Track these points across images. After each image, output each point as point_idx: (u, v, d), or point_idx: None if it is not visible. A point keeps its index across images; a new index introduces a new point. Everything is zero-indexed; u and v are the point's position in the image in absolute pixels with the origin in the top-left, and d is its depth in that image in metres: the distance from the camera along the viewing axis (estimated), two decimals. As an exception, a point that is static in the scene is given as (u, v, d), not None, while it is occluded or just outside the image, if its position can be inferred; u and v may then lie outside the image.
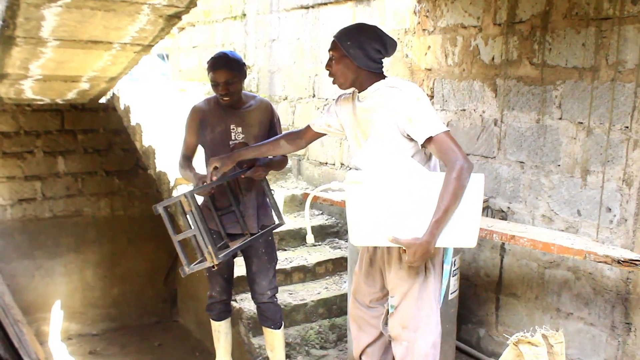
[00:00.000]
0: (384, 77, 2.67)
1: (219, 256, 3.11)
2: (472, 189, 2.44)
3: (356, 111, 2.73)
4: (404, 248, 2.47)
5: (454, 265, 3.53)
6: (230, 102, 3.43)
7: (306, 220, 2.80)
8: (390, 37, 2.67)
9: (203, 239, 3.06)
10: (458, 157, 2.40)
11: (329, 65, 2.72)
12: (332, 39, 2.70)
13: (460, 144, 4.06)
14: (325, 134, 3.07)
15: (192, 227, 3.09)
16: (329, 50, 2.71)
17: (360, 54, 2.59)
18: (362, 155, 2.59)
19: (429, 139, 2.46)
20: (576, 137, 3.47)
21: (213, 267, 3.13)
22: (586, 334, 3.53)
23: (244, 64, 3.47)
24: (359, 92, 2.71)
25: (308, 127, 3.09)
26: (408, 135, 2.53)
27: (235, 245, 3.43)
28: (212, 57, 3.45)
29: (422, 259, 2.46)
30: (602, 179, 3.36)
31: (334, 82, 2.75)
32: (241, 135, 3.49)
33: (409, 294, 2.65)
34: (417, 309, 2.65)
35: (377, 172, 2.49)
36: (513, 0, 3.76)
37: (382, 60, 2.66)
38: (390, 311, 2.75)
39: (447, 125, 4.15)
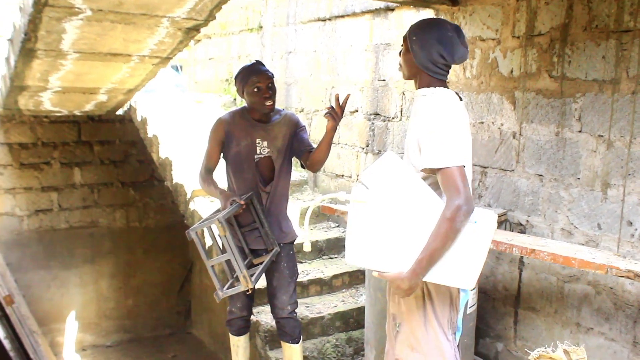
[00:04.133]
0: (443, 84, 2.48)
1: (253, 279, 3.12)
2: (481, 228, 2.26)
3: (411, 111, 2.59)
4: None
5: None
6: (272, 107, 3.41)
7: (305, 228, 2.75)
8: (462, 45, 2.45)
9: (238, 263, 3.08)
10: (460, 197, 2.20)
11: (400, 52, 2.59)
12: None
13: (479, 157, 4.10)
14: None
15: (227, 251, 3.10)
16: (402, 37, 2.58)
17: (422, 53, 2.42)
18: (371, 171, 2.43)
19: (438, 169, 2.28)
20: (596, 150, 3.45)
21: (247, 291, 3.14)
22: (607, 349, 3.49)
23: None
24: (416, 90, 2.56)
25: None
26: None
27: (260, 261, 3.44)
28: (245, 66, 3.46)
29: (407, 294, 2.33)
30: (622, 193, 3.33)
31: (399, 69, 2.65)
32: (266, 150, 3.48)
33: (410, 316, 2.51)
34: (420, 334, 2.50)
35: (383, 194, 2.34)
36: (532, 12, 3.75)
37: (446, 66, 2.45)
38: (391, 331, 2.64)
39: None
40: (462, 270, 2.27)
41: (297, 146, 3.55)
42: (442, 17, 2.50)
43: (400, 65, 2.59)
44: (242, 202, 3.23)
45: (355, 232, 2.38)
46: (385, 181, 2.36)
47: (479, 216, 2.27)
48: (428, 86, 2.46)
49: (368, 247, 2.36)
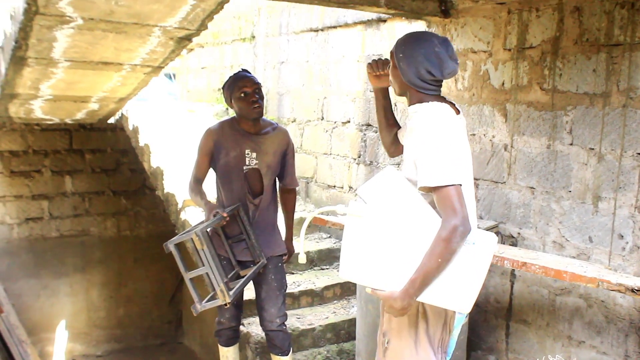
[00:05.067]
0: (437, 97, 2.39)
1: (230, 293, 3.09)
2: (479, 251, 2.18)
3: (407, 126, 2.53)
4: None
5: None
6: (260, 112, 3.40)
7: (301, 240, 2.70)
8: (452, 59, 2.35)
9: (215, 276, 3.04)
10: (456, 217, 2.12)
11: (389, 68, 2.54)
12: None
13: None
14: None
15: (205, 264, 3.06)
16: (390, 52, 2.51)
17: (409, 70, 2.35)
18: (369, 186, 2.36)
19: (433, 188, 2.20)
20: (587, 163, 3.45)
21: (225, 305, 3.11)
22: (598, 362, 3.48)
23: None
24: (408, 106, 2.48)
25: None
26: None
27: (245, 274, 3.42)
28: (232, 75, 3.47)
29: (400, 313, 2.26)
30: (614, 206, 3.33)
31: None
32: (255, 161, 3.47)
33: (400, 333, 2.45)
34: (409, 351, 2.43)
35: (380, 209, 2.27)
36: (523, 25, 3.76)
37: (436, 81, 2.37)
38: (380, 347, 2.57)
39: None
40: (458, 293, 2.20)
41: (279, 172, 3.62)
42: (429, 31, 2.42)
43: (391, 82, 2.52)
44: (225, 215, 3.21)
45: (350, 247, 2.31)
46: (383, 196, 2.30)
47: (477, 237, 2.20)
48: (420, 102, 2.38)
49: (362, 263, 2.29)
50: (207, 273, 3.06)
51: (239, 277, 3.47)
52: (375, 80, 2.74)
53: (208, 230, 3.21)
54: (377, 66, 2.71)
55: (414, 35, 2.43)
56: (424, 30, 2.48)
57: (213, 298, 3.16)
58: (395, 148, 2.80)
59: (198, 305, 3.10)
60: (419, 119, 2.33)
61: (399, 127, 2.78)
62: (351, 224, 2.30)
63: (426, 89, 2.37)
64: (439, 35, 2.41)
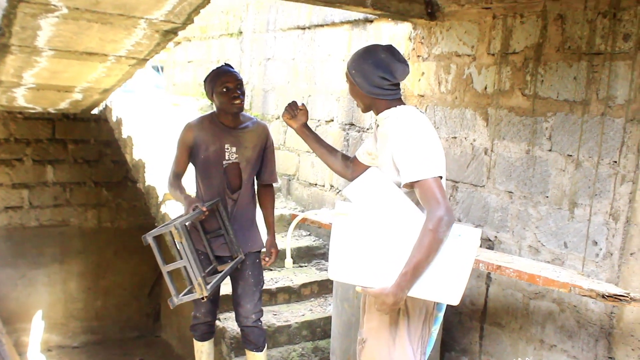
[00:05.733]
0: (399, 101, 2.52)
1: (208, 287, 3.09)
2: (466, 243, 2.26)
3: (377, 136, 2.64)
4: None
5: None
6: (241, 106, 3.41)
7: (287, 243, 2.71)
8: (400, 62, 2.49)
9: (193, 270, 3.05)
10: (440, 208, 2.20)
11: (350, 90, 2.65)
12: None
13: (450, 171, 4.12)
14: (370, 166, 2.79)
15: (183, 257, 3.06)
16: (345, 75, 2.65)
17: (365, 83, 2.49)
18: (355, 185, 2.43)
19: (415, 182, 2.28)
20: (565, 170, 3.49)
21: (202, 298, 3.12)
22: (569, 366, 3.53)
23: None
24: (375, 116, 2.61)
25: (355, 158, 2.94)
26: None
27: (223, 269, 3.42)
28: (215, 69, 3.48)
29: (391, 309, 2.31)
30: (589, 212, 3.38)
31: (357, 106, 2.69)
32: (235, 155, 3.48)
33: (379, 332, 2.50)
34: (387, 350, 2.48)
35: (366, 207, 2.36)
36: (507, 31, 3.80)
37: (394, 85, 2.50)
38: (358, 346, 2.62)
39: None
40: (447, 285, 2.26)
41: (258, 167, 3.63)
42: (374, 44, 2.58)
43: (355, 101, 2.64)
44: (204, 209, 3.21)
45: (337, 247, 2.35)
46: (368, 195, 2.36)
47: (462, 230, 2.27)
48: (388, 108, 2.51)
49: (351, 261, 2.33)
50: (184, 266, 3.07)
51: (216, 272, 3.48)
52: (293, 122, 3.03)
53: (187, 224, 3.21)
54: (291, 109, 3.01)
55: (360, 51, 2.57)
56: (374, 43, 2.59)
57: (190, 292, 3.16)
58: (351, 170, 2.94)
59: (175, 298, 3.10)
60: (391, 123, 2.46)
61: (337, 150, 3.02)
62: (338, 223, 2.35)
63: (387, 94, 2.51)
64: (383, 44, 2.56)
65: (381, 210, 2.32)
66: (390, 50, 2.52)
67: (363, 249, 2.31)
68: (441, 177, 2.31)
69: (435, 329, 2.60)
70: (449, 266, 2.25)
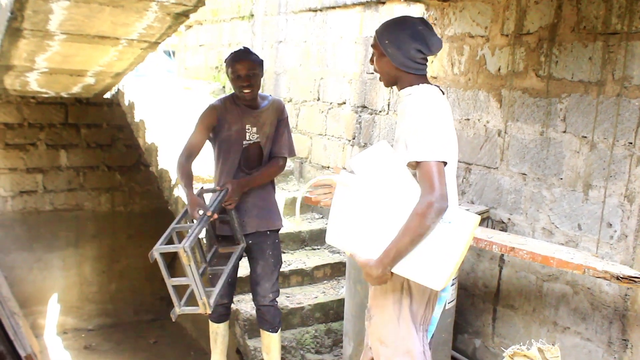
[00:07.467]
0: (424, 79, 2.47)
1: (211, 303, 3.13)
2: (456, 230, 2.22)
3: (398, 111, 2.60)
4: None
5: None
6: (251, 96, 3.43)
7: (299, 195, 2.69)
8: (435, 35, 2.43)
9: (198, 289, 3.09)
10: (434, 193, 2.16)
11: (372, 61, 2.56)
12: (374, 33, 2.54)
13: (464, 153, 4.10)
14: None
15: (189, 277, 3.09)
16: (371, 46, 2.56)
17: (399, 53, 2.40)
18: (361, 156, 2.43)
19: (418, 162, 2.25)
20: (579, 151, 3.46)
21: (205, 314, 3.16)
22: (582, 349, 3.52)
23: (263, 60, 3.52)
24: (398, 91, 2.53)
25: None
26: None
27: (227, 251, 3.49)
28: (232, 52, 3.49)
29: (376, 282, 2.32)
30: (604, 194, 3.35)
31: (380, 79, 2.62)
32: (255, 136, 3.53)
33: (383, 309, 2.50)
34: (393, 326, 2.48)
35: (367, 180, 2.36)
36: (521, 11, 3.75)
37: (425, 60, 2.44)
38: (366, 322, 2.64)
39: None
40: (432, 270, 2.25)
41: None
42: (407, 15, 2.50)
43: (379, 73, 2.56)
44: (209, 214, 3.23)
45: (336, 214, 2.43)
46: (372, 168, 2.37)
47: (455, 217, 2.23)
48: (411, 84, 2.44)
49: (346, 229, 2.40)
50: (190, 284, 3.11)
51: (216, 253, 3.55)
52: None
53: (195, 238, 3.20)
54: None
55: (394, 20, 2.49)
56: (405, 15, 2.51)
57: (194, 306, 3.19)
58: None
59: (177, 309, 3.16)
60: (411, 101, 2.40)
61: None
62: (339, 192, 2.43)
63: (417, 68, 2.44)
64: (415, 16, 2.49)
65: (381, 185, 2.34)
66: (424, 22, 2.44)
67: (358, 220, 2.36)
68: (445, 164, 2.27)
69: (439, 308, 2.60)
70: (435, 251, 2.23)
